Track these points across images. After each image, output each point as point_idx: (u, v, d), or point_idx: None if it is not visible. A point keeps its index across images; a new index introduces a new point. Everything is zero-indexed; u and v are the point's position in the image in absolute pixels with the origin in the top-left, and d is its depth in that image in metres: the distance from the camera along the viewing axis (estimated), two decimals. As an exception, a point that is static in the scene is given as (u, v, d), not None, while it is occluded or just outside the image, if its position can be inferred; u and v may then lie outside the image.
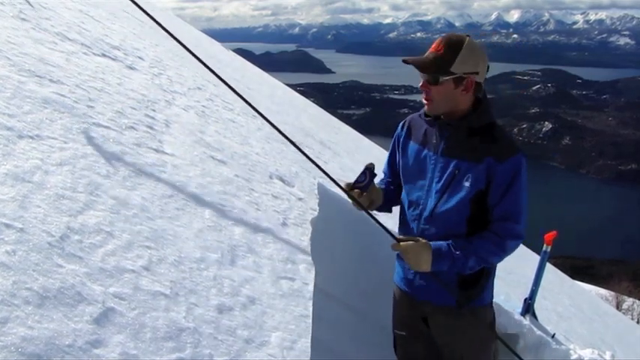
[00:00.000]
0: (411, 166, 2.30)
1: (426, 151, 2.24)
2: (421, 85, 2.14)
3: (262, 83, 8.69)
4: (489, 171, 2.08)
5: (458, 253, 2.08)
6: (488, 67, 2.17)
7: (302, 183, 3.23)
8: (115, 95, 2.76)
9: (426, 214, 2.22)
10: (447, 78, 2.07)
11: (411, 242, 2.11)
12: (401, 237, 2.17)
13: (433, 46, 2.12)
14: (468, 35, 2.14)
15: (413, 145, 2.30)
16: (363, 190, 2.24)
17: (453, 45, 2.08)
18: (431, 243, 2.11)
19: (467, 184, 2.11)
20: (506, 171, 2.07)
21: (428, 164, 2.23)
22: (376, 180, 2.36)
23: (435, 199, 2.20)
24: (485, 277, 2.28)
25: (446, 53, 2.07)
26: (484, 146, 2.10)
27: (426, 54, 2.13)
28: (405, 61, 2.14)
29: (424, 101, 2.18)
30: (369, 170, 2.25)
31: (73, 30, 3.39)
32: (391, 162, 2.47)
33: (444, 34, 2.17)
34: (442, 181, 2.18)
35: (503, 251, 2.14)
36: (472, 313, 2.29)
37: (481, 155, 2.09)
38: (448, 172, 2.16)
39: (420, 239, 2.13)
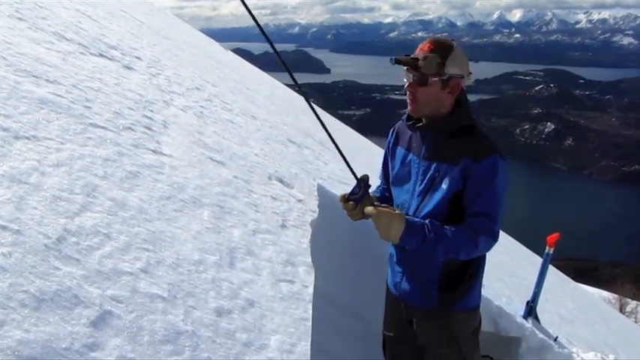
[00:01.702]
0: (398, 171, 2.32)
1: (410, 156, 2.27)
2: (407, 86, 2.15)
3: (261, 83, 8.68)
4: (466, 171, 2.09)
5: (431, 235, 2.06)
6: (469, 75, 2.20)
7: (301, 184, 3.22)
8: (113, 95, 2.75)
9: (409, 215, 2.21)
10: (437, 79, 2.08)
11: (385, 208, 2.06)
12: (378, 203, 2.13)
13: (424, 47, 2.12)
14: (453, 39, 2.18)
15: (400, 150, 2.33)
16: (357, 203, 2.23)
17: (444, 47, 2.11)
18: (407, 217, 2.09)
19: (444, 185, 2.12)
20: (482, 170, 2.07)
21: (412, 168, 2.25)
22: (373, 187, 2.34)
23: (417, 201, 2.21)
24: (468, 279, 2.26)
25: (437, 53, 2.08)
26: (462, 148, 2.11)
27: (416, 54, 2.13)
28: (397, 60, 2.13)
29: (408, 102, 2.19)
30: (363, 182, 2.24)
31: (70, 29, 3.37)
32: (385, 168, 2.49)
33: (430, 37, 2.18)
34: (423, 184, 2.19)
35: (475, 246, 2.10)
36: (455, 316, 2.28)
37: (459, 156, 2.10)
38: (429, 174, 2.18)
39: (397, 210, 2.11)
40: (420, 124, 2.20)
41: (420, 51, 2.11)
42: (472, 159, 2.07)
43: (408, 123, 2.24)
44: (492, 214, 2.10)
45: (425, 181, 2.18)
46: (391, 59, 2.14)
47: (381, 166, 2.53)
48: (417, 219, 2.12)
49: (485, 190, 2.07)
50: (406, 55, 2.15)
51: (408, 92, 2.16)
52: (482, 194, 2.07)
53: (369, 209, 2.06)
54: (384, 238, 2.07)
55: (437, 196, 2.14)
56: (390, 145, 2.41)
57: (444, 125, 2.15)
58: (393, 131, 2.42)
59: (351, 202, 2.22)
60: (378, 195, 2.48)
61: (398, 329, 2.47)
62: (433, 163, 2.16)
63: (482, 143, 2.12)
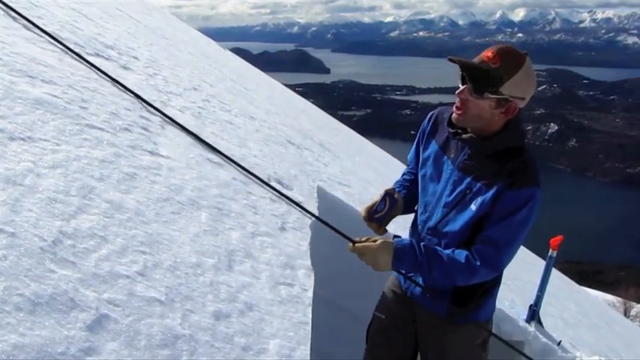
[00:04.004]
0: (428, 167, 2.20)
1: (445, 158, 2.12)
2: (459, 92, 1.95)
3: (260, 84, 8.66)
4: (497, 195, 1.95)
5: (423, 260, 1.98)
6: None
7: (301, 186, 3.19)
8: (109, 96, 2.73)
9: (430, 224, 2.14)
10: (493, 97, 1.89)
11: (366, 243, 2.01)
12: (356, 239, 2.07)
13: (488, 54, 1.89)
14: (526, 53, 1.92)
15: (434, 146, 2.19)
16: (381, 222, 2.16)
17: (512, 62, 1.88)
18: (395, 242, 2.02)
19: (474, 207, 1.99)
20: (513, 199, 1.92)
21: (443, 172, 2.12)
22: (398, 175, 2.25)
23: (442, 213, 2.10)
24: (481, 294, 2.17)
25: (502, 68, 1.86)
26: (501, 171, 1.95)
27: (478, 60, 1.91)
28: (452, 60, 1.92)
29: (455, 109, 2.00)
30: (388, 196, 2.16)
31: (65, 29, 3.34)
32: (417, 153, 2.34)
33: (502, 45, 1.93)
34: (452, 196, 2.06)
35: (472, 275, 2.00)
36: (463, 328, 2.21)
37: (496, 179, 1.95)
38: (460, 188, 2.04)
39: (379, 239, 2.03)
40: (464, 135, 2.04)
41: (485, 59, 1.89)
42: (506, 185, 1.93)
43: (451, 130, 2.08)
44: (502, 244, 1.96)
45: (454, 194, 2.06)
46: (449, 58, 1.92)
47: (412, 149, 2.39)
48: (407, 242, 2.03)
49: (506, 218, 1.93)
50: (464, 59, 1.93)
51: (457, 98, 1.97)
52: (502, 221, 1.94)
53: (350, 247, 2.03)
54: (376, 270, 2.03)
55: (464, 217, 2.02)
56: (426, 133, 2.25)
57: (489, 145, 1.99)
58: (432, 118, 2.25)
59: (374, 224, 2.16)
60: (404, 192, 2.35)
61: (394, 317, 2.39)
62: (467, 178, 2.03)
63: (523, 172, 1.95)
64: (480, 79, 1.89)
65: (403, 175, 2.47)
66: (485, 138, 1.99)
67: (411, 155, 2.42)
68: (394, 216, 2.27)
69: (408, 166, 2.46)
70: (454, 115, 2.01)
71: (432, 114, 2.28)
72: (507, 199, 1.93)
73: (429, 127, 2.25)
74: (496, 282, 2.22)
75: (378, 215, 2.15)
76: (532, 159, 2.01)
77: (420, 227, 2.21)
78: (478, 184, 2.00)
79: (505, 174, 1.94)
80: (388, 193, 2.17)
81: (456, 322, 2.20)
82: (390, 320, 2.41)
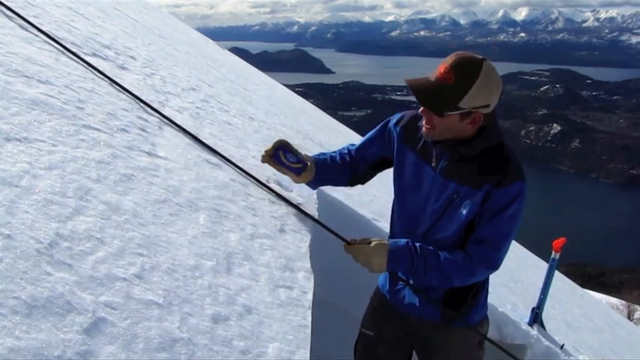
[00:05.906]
0: (406, 176, 2.16)
1: (424, 166, 2.09)
2: (421, 111, 1.93)
3: (259, 84, 8.65)
4: (486, 195, 1.95)
5: (419, 261, 1.96)
6: (501, 95, 1.94)
7: (301, 187, 3.16)
8: (106, 96, 2.71)
9: (419, 232, 2.12)
10: (453, 113, 1.86)
11: (360, 245, 2.01)
12: (351, 239, 2.07)
13: (442, 69, 1.82)
14: (484, 59, 1.85)
15: (410, 154, 2.14)
16: (299, 172, 2.33)
17: (467, 73, 1.81)
18: (391, 243, 2.00)
19: (464, 211, 1.98)
20: (503, 195, 1.92)
21: (425, 180, 2.08)
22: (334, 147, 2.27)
23: (430, 221, 2.08)
24: (473, 296, 2.16)
25: (457, 84, 1.80)
26: (486, 172, 1.94)
27: (433, 78, 1.85)
28: (408, 83, 1.92)
29: (424, 124, 1.97)
30: (301, 162, 2.34)
31: (62, 28, 3.33)
32: (372, 143, 2.31)
33: (456, 54, 1.85)
34: (439, 203, 2.04)
35: (470, 275, 2.00)
36: (457, 331, 2.20)
37: (482, 181, 1.94)
38: (446, 194, 2.02)
39: (374, 240, 2.02)
40: (440, 142, 2.01)
41: (440, 76, 1.83)
42: (495, 184, 1.92)
43: (428, 139, 2.04)
44: (499, 241, 1.97)
45: (441, 201, 2.03)
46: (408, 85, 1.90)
47: (366, 137, 2.33)
48: (402, 244, 2.01)
49: (498, 215, 1.93)
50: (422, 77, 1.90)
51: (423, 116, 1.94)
52: (495, 219, 1.94)
53: (346, 248, 2.04)
54: (370, 272, 2.03)
55: (455, 222, 2.01)
56: (395, 141, 2.19)
57: (469, 149, 1.96)
58: (399, 122, 2.20)
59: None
60: (327, 158, 2.40)
61: (385, 334, 2.39)
62: (451, 183, 2.00)
63: (509, 168, 1.95)
64: (436, 101, 1.85)
65: (341, 149, 2.44)
66: (464, 142, 1.96)
67: (366, 140, 2.36)
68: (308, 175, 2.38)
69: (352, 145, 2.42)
70: (424, 130, 1.98)
71: (401, 118, 2.22)
72: (497, 197, 1.93)
73: (400, 134, 2.19)
74: (486, 281, 2.22)
75: (298, 166, 2.37)
76: (513, 154, 2.00)
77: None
78: (464, 188, 1.98)
79: (491, 173, 1.94)
80: (302, 160, 2.34)
81: (450, 325, 2.19)
82: (379, 336, 2.39)
